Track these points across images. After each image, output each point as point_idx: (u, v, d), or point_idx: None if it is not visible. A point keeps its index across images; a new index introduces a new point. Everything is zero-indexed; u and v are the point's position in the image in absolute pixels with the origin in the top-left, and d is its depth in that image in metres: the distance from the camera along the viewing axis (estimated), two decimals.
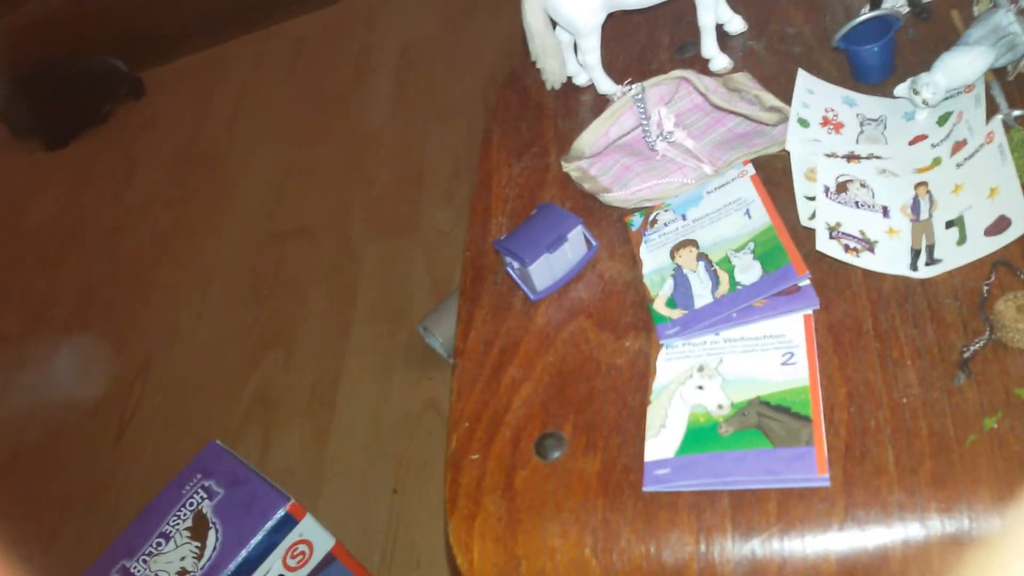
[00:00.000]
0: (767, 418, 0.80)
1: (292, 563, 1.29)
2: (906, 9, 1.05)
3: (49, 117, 3.23)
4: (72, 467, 2.17)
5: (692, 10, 1.11)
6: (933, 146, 0.93)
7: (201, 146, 3.00)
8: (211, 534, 1.27)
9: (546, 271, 0.97)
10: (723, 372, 0.84)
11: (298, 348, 2.19)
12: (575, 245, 0.98)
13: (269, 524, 1.25)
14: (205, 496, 1.31)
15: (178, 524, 1.30)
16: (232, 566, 1.23)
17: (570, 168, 1.06)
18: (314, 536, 1.31)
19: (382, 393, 2.00)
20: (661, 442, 0.82)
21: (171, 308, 2.46)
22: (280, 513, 1.26)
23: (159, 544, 1.29)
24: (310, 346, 2.18)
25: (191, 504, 1.31)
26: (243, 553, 1.24)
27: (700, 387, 0.84)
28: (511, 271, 0.99)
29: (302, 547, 1.29)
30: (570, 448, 0.86)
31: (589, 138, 1.03)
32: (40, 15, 3.36)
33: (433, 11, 2.99)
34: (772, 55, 1.10)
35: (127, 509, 1.98)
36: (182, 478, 1.35)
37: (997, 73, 0.95)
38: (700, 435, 0.81)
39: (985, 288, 0.80)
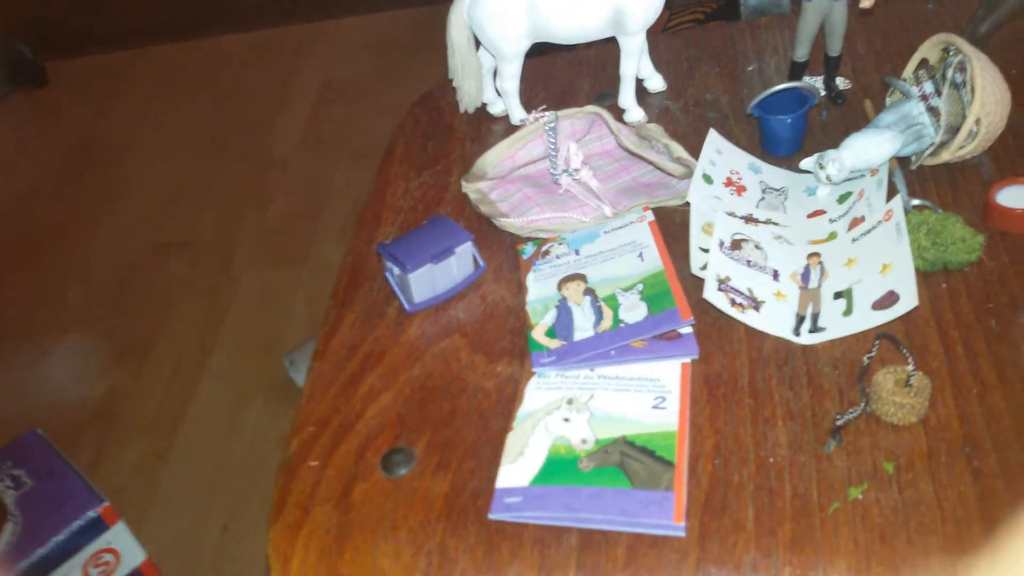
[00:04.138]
0: (630, 458, 0.75)
1: (93, 573, 1.16)
2: (823, 91, 1.07)
3: None
4: None
5: (616, 61, 1.11)
6: (831, 221, 0.93)
7: (97, 145, 2.87)
8: (8, 526, 1.13)
9: (427, 283, 0.92)
10: (592, 407, 0.80)
11: (154, 363, 2.06)
12: (462, 261, 0.93)
13: (75, 524, 1.13)
14: (11, 485, 1.18)
15: None
16: (25, 563, 1.09)
17: (469, 188, 1.02)
18: (124, 547, 1.18)
19: (234, 423, 1.88)
20: (517, 469, 0.76)
21: (30, 302, 2.29)
22: (90, 514, 1.14)
23: None
24: (167, 363, 2.05)
25: None
26: (40, 552, 1.10)
27: (566, 419, 0.79)
28: (390, 277, 0.93)
29: (108, 556, 1.16)
30: (419, 466, 0.80)
31: (494, 157, 0.99)
32: None
33: (365, 52, 2.98)
34: (687, 117, 1.10)
35: None
36: None
37: (901, 162, 0.96)
38: (559, 467, 0.76)
39: (866, 360, 0.78)
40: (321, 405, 0.87)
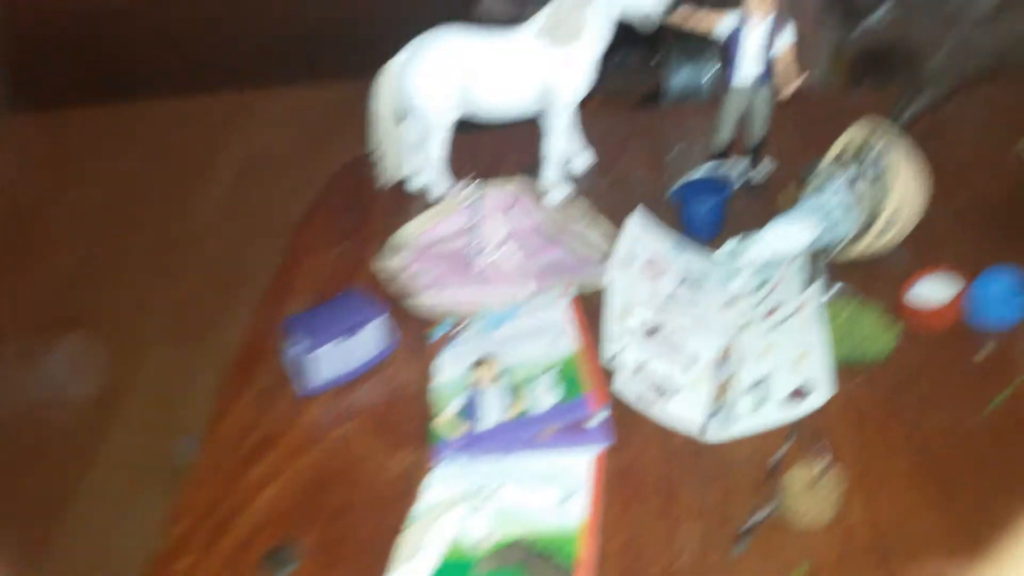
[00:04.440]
0: (530, 563, 0.70)
1: None
2: (745, 178, 1.06)
3: None
4: None
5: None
6: (749, 309, 0.91)
7: (6, 211, 2.74)
8: None
9: (333, 361, 0.86)
10: (496, 501, 0.75)
11: (37, 448, 1.91)
12: (371, 338, 0.88)
13: None
14: None
15: None
16: None
17: (385, 264, 0.98)
18: None
19: (120, 512, 1.74)
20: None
21: None
22: None
23: None
24: (52, 448, 1.90)
25: None
26: None
27: (467, 515, 0.74)
28: (287, 357, 0.88)
29: None
30: (304, 567, 0.73)
31: (415, 229, 0.96)
32: None
33: (295, 127, 2.92)
34: (614, 194, 1.08)
35: None
36: None
37: (820, 251, 0.95)
38: (454, 571, 0.70)
39: (774, 459, 0.75)
40: (205, 492, 0.81)
